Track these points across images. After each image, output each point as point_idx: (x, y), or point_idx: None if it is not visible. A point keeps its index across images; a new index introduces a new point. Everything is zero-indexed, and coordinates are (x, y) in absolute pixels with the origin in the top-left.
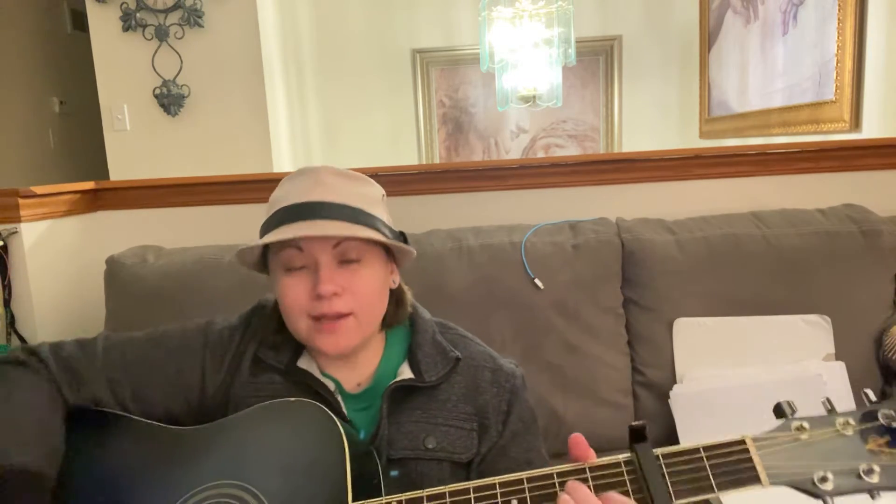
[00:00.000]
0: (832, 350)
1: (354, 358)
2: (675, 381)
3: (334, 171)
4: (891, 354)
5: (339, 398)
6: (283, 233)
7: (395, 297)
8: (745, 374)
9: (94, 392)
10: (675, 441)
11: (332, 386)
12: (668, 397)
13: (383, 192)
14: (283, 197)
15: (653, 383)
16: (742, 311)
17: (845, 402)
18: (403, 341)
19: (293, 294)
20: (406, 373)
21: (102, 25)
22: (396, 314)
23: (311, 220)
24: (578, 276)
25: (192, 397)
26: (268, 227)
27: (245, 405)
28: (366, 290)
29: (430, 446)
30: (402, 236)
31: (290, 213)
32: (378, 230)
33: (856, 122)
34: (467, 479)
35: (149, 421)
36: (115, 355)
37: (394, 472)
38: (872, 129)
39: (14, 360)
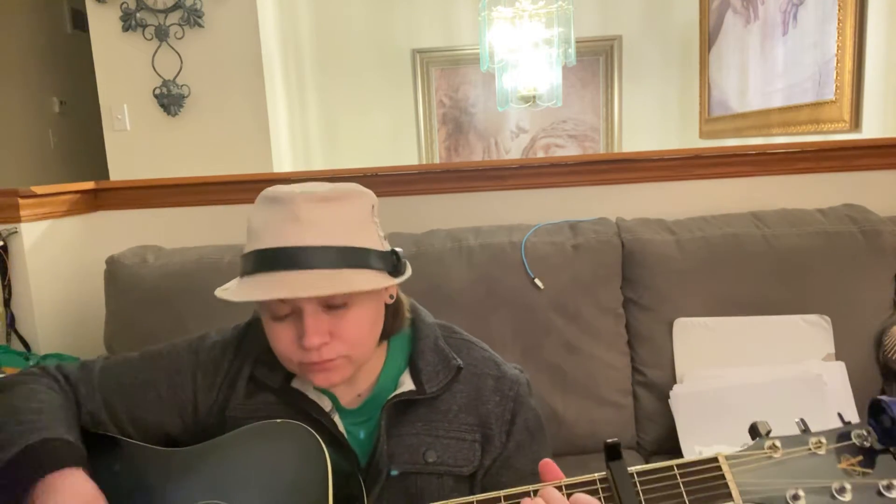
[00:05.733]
0: (832, 350)
1: (352, 376)
2: (675, 381)
3: (311, 197)
4: (891, 354)
5: (336, 417)
6: (260, 288)
7: (392, 308)
8: (745, 374)
9: (93, 411)
10: (676, 441)
11: (328, 405)
12: (668, 397)
13: (374, 200)
14: (259, 229)
15: (653, 383)
16: (742, 311)
17: (845, 402)
18: (405, 348)
19: (281, 340)
20: (407, 384)
21: (102, 25)
22: (394, 325)
23: (290, 271)
24: (578, 276)
25: (187, 416)
26: (245, 267)
27: (241, 426)
28: (355, 332)
29: (430, 460)
30: (395, 255)
31: (267, 260)
32: (368, 266)
33: (856, 122)
34: (471, 492)
35: (136, 441)
36: (111, 376)
37: (393, 472)
38: (872, 129)
39: (29, 374)
